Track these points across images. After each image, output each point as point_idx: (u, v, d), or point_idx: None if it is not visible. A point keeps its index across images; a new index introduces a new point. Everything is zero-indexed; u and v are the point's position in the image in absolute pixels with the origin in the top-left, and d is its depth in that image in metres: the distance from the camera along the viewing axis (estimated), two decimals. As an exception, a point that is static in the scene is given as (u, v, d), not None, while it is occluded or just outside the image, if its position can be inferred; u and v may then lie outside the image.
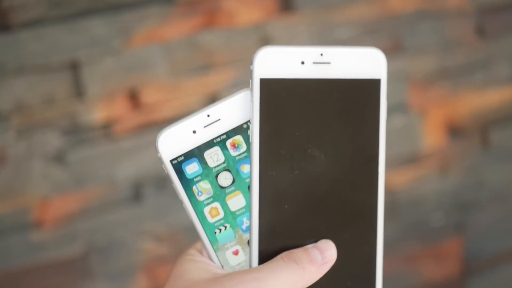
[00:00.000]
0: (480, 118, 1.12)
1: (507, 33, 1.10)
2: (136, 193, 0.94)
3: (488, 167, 1.14)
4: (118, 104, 0.91)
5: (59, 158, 0.90)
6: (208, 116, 0.49)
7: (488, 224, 1.17)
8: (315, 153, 0.50)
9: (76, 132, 0.90)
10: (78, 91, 0.89)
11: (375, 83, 0.50)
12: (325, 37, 0.98)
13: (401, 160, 1.08)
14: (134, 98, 0.92)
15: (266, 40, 0.94)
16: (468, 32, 1.08)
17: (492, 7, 1.08)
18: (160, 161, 0.49)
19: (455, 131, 1.11)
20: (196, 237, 0.50)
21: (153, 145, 0.93)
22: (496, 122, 1.13)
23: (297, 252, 0.49)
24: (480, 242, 1.18)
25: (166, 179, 0.94)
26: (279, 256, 0.49)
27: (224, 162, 0.50)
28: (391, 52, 1.02)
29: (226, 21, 0.93)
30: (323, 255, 0.49)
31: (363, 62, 0.50)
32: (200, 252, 0.51)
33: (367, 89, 0.50)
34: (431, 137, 1.09)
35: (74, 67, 0.89)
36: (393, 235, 1.11)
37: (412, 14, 1.03)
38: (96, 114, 0.90)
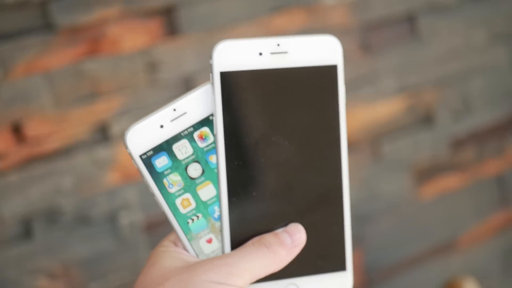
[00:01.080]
0: (370, 131, 1.15)
1: (390, 47, 1.13)
2: (26, 229, 0.91)
3: (381, 179, 1.17)
4: (1, 138, 0.87)
5: None
6: (174, 110, 0.51)
7: (385, 235, 1.20)
8: (279, 140, 0.51)
9: (-43, 170, 0.86)
10: (-43, 127, 0.86)
11: (332, 69, 0.52)
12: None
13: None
14: (17, 131, 0.88)
15: (153, 65, 0.93)
16: (353, 48, 1.10)
17: (375, 23, 1.11)
18: (129, 157, 0.50)
19: (347, 145, 1.13)
20: (169, 229, 0.52)
21: (41, 179, 0.90)
22: (386, 134, 1.16)
23: (267, 236, 0.51)
24: (378, 253, 1.20)
25: (57, 213, 0.91)
26: (250, 242, 0.51)
27: (192, 154, 0.52)
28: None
29: (111, 48, 0.91)
30: (293, 238, 0.51)
31: (319, 50, 0.52)
32: (174, 243, 0.52)
33: (324, 75, 0.52)
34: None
35: (-49, 103, 0.85)
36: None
37: (297, 32, 1.04)
38: (-22, 150, 0.87)
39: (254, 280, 0.50)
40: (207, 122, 0.52)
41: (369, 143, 1.15)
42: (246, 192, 0.51)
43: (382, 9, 1.11)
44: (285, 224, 0.52)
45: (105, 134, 0.92)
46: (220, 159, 0.51)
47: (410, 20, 1.15)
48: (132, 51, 0.92)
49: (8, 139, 0.88)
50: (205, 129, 0.52)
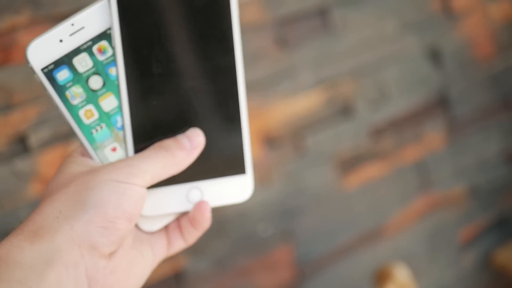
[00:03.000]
0: (292, 125, 1.16)
1: (306, 41, 1.15)
2: None
3: (306, 172, 1.18)
4: None
5: None
6: (73, 25, 0.53)
7: (314, 227, 1.21)
8: (176, 50, 0.54)
9: None
10: None
11: None
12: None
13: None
14: None
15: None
16: (269, 44, 1.11)
17: (288, 18, 1.12)
18: (31, 71, 0.52)
19: (270, 141, 1.13)
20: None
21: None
22: (308, 127, 1.17)
23: (167, 141, 0.54)
24: (308, 246, 1.21)
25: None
26: (151, 147, 0.54)
27: (93, 67, 0.54)
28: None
29: (23, 56, 0.89)
30: (192, 142, 0.54)
31: None
32: (82, 154, 0.55)
33: None
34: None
35: None
36: (224, 251, 1.11)
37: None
38: None
39: (155, 181, 0.53)
40: (105, 36, 0.54)
41: (292, 137, 1.16)
42: (146, 101, 0.54)
43: (294, 4, 1.12)
44: (186, 130, 0.55)
45: (24, 145, 0.89)
46: (119, 71, 0.53)
47: (322, 14, 1.17)
48: (45, 58, 0.90)
49: None
50: (104, 43, 0.54)
